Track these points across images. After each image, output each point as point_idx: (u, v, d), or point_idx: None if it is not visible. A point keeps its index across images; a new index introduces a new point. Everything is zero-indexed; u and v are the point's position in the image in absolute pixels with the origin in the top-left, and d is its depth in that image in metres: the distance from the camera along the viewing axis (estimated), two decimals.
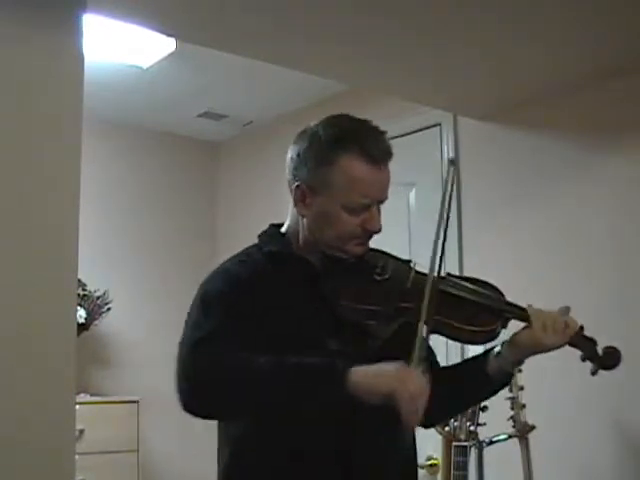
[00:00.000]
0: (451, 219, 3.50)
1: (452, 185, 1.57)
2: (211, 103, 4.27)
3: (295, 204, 1.63)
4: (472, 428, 2.55)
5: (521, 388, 2.73)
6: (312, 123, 1.65)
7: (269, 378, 1.43)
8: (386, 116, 3.78)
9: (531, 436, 2.71)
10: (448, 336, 1.61)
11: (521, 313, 1.61)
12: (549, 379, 3.04)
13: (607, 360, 1.65)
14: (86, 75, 2.42)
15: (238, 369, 1.44)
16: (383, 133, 1.61)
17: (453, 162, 1.60)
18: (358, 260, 1.61)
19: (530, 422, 2.70)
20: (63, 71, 2.38)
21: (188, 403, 1.45)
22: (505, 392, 2.71)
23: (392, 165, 1.61)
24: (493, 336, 1.60)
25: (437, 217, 1.59)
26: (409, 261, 1.65)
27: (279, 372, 1.43)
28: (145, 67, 3.70)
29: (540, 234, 3.24)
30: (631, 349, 2.86)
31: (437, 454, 3.11)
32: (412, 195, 3.66)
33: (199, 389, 1.45)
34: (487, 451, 2.72)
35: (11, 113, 2.29)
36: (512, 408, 2.71)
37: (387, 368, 1.43)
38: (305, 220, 1.62)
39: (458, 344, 3.19)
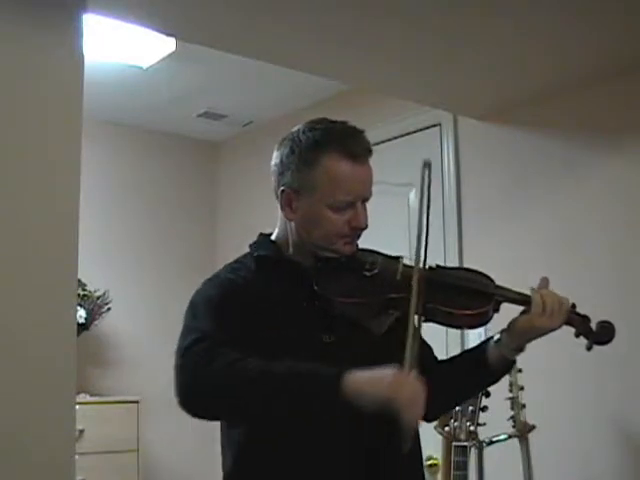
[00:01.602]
0: (451, 219, 3.53)
1: (429, 185, 1.58)
2: (211, 103, 4.27)
3: (282, 209, 1.65)
4: (472, 428, 2.54)
5: (521, 388, 2.73)
6: (293, 129, 1.67)
7: (263, 382, 1.41)
8: (386, 116, 3.81)
9: (531, 436, 2.71)
10: (441, 323, 1.61)
11: (515, 296, 1.62)
12: (549, 379, 3.04)
13: (601, 335, 1.64)
14: (86, 75, 2.42)
15: (231, 372, 1.43)
16: (362, 132, 1.64)
17: (428, 165, 1.61)
18: (348, 259, 1.63)
19: (530, 422, 2.70)
20: (63, 71, 2.38)
21: (183, 402, 1.44)
22: (505, 392, 2.71)
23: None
24: (485, 320, 1.60)
25: (426, 216, 1.59)
26: (399, 257, 1.67)
27: (272, 377, 1.41)
28: (145, 67, 3.69)
29: (540, 234, 3.24)
30: (632, 350, 2.89)
31: (437, 454, 3.10)
32: (412, 195, 3.65)
33: (193, 389, 1.45)
34: (487, 451, 2.72)
35: (10, 113, 2.29)
36: (512, 408, 2.72)
37: (382, 375, 1.39)
38: (293, 224, 1.65)
39: (457, 335, 3.24)
